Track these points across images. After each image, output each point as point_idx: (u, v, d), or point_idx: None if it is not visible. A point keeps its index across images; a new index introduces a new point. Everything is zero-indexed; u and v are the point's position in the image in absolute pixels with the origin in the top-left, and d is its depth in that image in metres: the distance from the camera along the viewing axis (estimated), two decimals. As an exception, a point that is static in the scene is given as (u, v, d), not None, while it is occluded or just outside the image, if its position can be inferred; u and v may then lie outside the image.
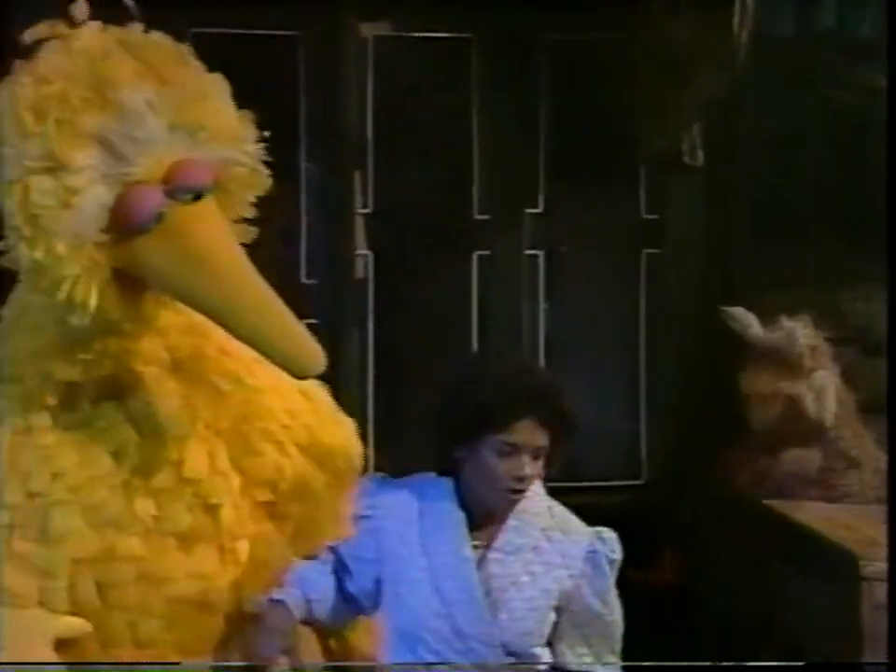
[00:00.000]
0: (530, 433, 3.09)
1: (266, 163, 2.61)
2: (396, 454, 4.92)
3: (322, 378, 2.78)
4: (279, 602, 3.04)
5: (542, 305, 5.31)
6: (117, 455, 2.67)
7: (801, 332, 4.62)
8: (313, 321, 2.80)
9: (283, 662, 3.02)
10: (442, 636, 3.13)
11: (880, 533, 4.11)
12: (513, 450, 3.09)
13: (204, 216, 2.58)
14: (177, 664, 2.66)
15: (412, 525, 3.19)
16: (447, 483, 3.23)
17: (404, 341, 5.48)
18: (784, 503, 4.78)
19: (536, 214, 5.32)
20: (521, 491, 3.14)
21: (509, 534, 3.18)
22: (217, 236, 2.61)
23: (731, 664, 3.33)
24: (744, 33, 4.80)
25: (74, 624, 2.60)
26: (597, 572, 3.19)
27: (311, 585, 3.14)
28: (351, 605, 3.23)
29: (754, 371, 4.77)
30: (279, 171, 2.63)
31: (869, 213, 4.50)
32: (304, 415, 2.95)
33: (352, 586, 3.23)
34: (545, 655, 3.18)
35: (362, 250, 5.55)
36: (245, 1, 5.14)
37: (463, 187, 5.39)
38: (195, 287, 2.56)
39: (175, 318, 2.75)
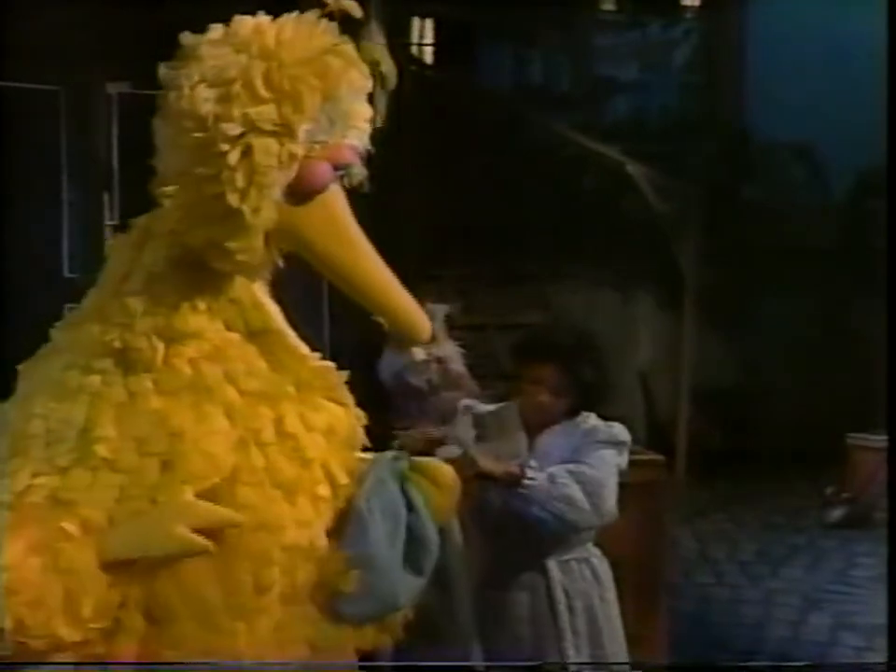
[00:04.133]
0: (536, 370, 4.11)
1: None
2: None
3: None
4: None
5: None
6: (228, 414, 2.67)
7: (440, 312, 5.35)
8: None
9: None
10: None
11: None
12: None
13: (341, 195, 2.74)
14: (175, 663, 2.56)
15: None
16: None
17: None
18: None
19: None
20: None
21: None
22: (350, 214, 2.75)
23: (730, 663, 3.63)
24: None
25: (223, 514, 2.59)
26: None
27: None
28: None
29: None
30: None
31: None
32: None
33: None
34: None
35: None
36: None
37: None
38: (342, 256, 2.70)
39: (246, 293, 2.81)
